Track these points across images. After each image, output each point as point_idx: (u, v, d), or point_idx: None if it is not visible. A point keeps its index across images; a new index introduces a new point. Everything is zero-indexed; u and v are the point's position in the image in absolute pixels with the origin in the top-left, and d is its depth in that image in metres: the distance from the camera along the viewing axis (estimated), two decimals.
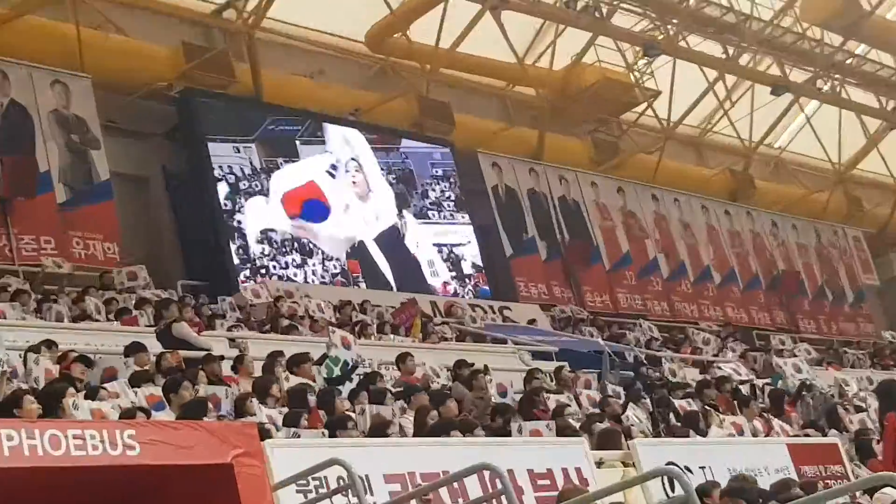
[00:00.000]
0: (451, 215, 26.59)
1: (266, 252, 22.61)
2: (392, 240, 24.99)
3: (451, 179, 27.01)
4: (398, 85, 27.39)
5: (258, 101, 24.32)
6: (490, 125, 28.90)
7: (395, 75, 27.75)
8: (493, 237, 27.39)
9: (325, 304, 19.88)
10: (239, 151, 23.22)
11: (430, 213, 26.25)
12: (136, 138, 22.98)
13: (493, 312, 24.32)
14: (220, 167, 22.79)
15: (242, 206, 22.73)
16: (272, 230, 22.99)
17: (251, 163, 23.36)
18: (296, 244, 23.19)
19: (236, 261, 22.15)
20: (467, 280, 26.12)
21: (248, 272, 22.13)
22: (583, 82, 29.95)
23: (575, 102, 30.12)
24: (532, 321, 24.28)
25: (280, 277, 22.21)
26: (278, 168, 23.67)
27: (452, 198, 26.82)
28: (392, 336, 19.05)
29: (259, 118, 23.96)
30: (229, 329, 17.28)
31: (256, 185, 23.14)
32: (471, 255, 26.44)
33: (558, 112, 30.19)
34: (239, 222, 22.60)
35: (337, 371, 14.00)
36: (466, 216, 26.78)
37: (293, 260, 22.96)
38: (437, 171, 26.82)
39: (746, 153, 34.55)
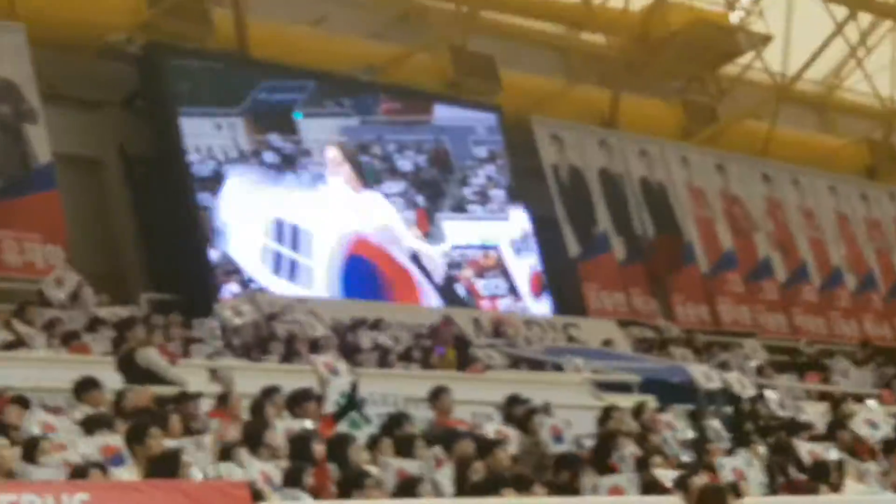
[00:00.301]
0: (501, 208, 26.62)
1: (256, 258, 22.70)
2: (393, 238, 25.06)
3: (499, 161, 27.01)
4: (425, 34, 27.33)
5: (244, 59, 24.38)
6: (547, 84, 28.80)
7: (420, 21, 27.70)
8: (554, 233, 27.31)
9: (321, 321, 19.95)
10: (221, 128, 23.24)
11: (471, 206, 26.28)
12: (86, 109, 23.01)
13: (556, 331, 24.31)
14: (197, 149, 22.83)
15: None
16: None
17: (236, 142, 23.44)
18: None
19: (217, 269, 22.21)
20: (521, 290, 26.14)
21: (234, 285, 22.21)
22: (668, 26, 29.83)
23: (658, 53, 30.03)
24: (607, 342, 24.25)
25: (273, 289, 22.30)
26: (269, 148, 23.73)
27: (503, 184, 26.82)
28: (421, 366, 19.04)
29: (246, 82, 23.95)
30: (209, 357, 17.32)
31: (244, 171, 23.20)
32: (525, 257, 26.45)
33: (636, 66, 30.07)
34: (221, 220, 22.66)
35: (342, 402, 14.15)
36: (520, 208, 26.81)
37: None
38: (480, 152, 26.84)
39: (887, 117, 34.30)
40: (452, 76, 27.11)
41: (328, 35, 26.00)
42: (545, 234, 27.02)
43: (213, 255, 22.38)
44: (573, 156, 28.34)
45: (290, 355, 17.83)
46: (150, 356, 14.64)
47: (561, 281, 26.94)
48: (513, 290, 26.06)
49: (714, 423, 17.05)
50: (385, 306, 23.06)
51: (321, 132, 24.62)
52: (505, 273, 26.08)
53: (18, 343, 16.13)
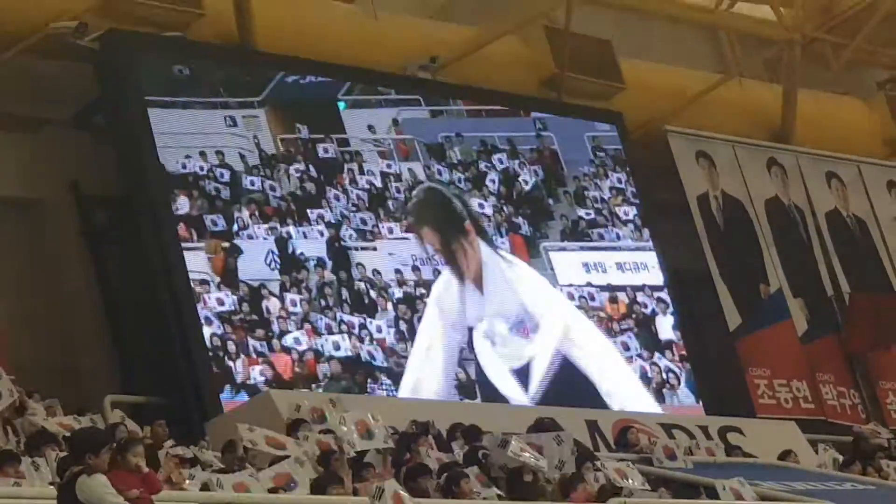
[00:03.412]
0: (634, 233, 26.93)
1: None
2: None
3: (628, 194, 27.18)
4: (512, 11, 27.36)
5: (248, 53, 24.45)
6: (690, 80, 28.90)
7: None
8: (703, 295, 27.43)
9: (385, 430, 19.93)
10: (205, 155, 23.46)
11: (591, 230, 26.71)
12: (22, 130, 23.22)
13: (709, 439, 24.11)
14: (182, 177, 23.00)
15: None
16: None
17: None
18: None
19: (216, 360, 22.23)
20: (657, 380, 26.19)
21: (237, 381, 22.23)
22: None
23: (852, 31, 30.10)
24: (786, 454, 24.04)
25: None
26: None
27: (631, 227, 27.00)
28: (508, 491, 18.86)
29: (251, 85, 24.35)
30: (204, 487, 17.19)
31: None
32: (662, 330, 26.53)
33: (820, 53, 30.18)
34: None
35: None
36: (656, 259, 26.95)
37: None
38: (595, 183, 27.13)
39: None
40: (552, 71, 27.21)
41: (370, 16, 26.05)
42: (690, 298, 27.19)
43: (211, 338, 22.37)
44: (729, 182, 28.45)
45: (328, 481, 17.62)
46: (96, 487, 14.14)
47: (715, 365, 26.94)
48: (644, 378, 26.11)
49: None
50: (468, 406, 23.23)
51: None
52: (645, 354, 26.18)
53: None
